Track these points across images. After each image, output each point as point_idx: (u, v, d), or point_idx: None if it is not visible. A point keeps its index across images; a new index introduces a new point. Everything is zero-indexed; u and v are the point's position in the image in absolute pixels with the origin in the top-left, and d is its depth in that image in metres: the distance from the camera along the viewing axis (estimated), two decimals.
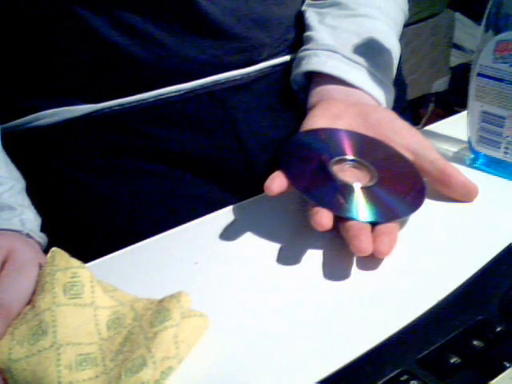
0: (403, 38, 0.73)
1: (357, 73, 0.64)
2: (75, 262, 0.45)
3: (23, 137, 0.65)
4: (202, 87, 0.65)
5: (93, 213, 0.66)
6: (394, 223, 0.52)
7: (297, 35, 0.71)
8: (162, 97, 0.64)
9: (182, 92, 0.64)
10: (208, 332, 0.44)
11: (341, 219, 0.51)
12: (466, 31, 2.17)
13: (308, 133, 0.59)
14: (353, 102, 0.63)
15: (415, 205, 0.53)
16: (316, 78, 0.66)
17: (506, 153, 0.58)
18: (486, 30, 0.56)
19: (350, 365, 0.40)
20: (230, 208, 0.58)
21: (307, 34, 0.69)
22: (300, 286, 0.49)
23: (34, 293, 0.44)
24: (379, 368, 0.39)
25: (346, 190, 0.52)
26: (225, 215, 0.57)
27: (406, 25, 0.76)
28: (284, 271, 0.50)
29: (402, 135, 0.58)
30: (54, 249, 0.46)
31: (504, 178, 0.59)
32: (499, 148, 0.59)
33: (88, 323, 0.42)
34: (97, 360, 0.40)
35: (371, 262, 0.49)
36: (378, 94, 0.64)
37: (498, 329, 0.41)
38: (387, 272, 0.49)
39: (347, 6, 0.70)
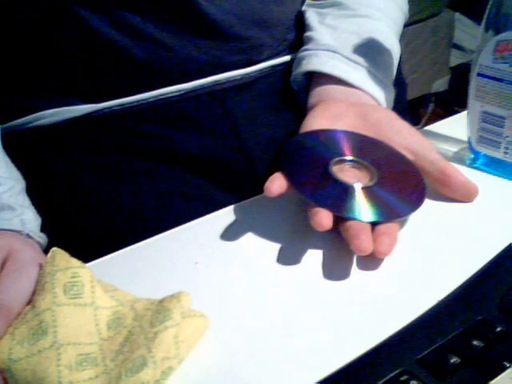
0: (403, 38, 0.73)
1: (357, 73, 0.64)
2: (75, 262, 0.45)
3: (23, 137, 0.65)
4: (203, 87, 0.65)
5: (93, 213, 0.66)
6: (394, 223, 0.52)
7: (297, 35, 0.71)
8: (162, 97, 0.64)
9: (182, 92, 0.64)
10: (208, 332, 0.44)
11: (341, 219, 0.51)
12: (466, 31, 2.17)
13: (308, 133, 0.59)
14: (353, 102, 0.63)
15: (415, 205, 0.53)
16: (316, 78, 0.66)
17: (505, 153, 0.58)
18: (486, 30, 0.56)
19: (350, 365, 0.40)
20: (230, 208, 0.58)
21: (307, 34, 0.69)
22: (300, 286, 0.49)
23: (34, 293, 0.44)
24: (379, 368, 0.39)
25: (346, 190, 0.52)
26: (225, 215, 0.57)
27: (406, 25, 0.76)
28: (284, 271, 0.50)
29: (402, 135, 0.58)
30: (54, 249, 0.46)
31: (504, 178, 0.59)
32: (499, 148, 0.59)
33: (88, 323, 0.42)
34: (97, 360, 0.40)
35: (371, 262, 0.49)
36: (378, 94, 0.64)
37: (498, 329, 0.41)
38: (387, 272, 0.49)
39: (347, 6, 0.70)
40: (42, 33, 0.61)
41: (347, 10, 0.70)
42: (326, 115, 0.61)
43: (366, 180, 0.54)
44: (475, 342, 0.40)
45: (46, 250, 0.52)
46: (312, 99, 0.65)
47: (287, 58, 0.71)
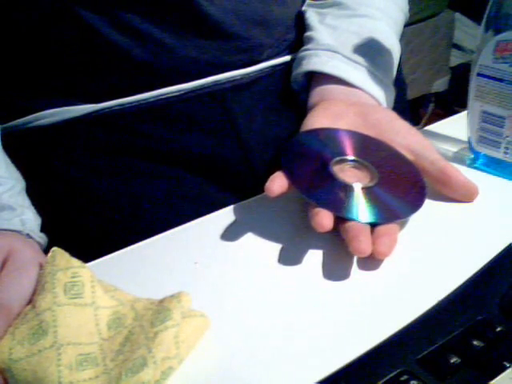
0: (403, 38, 0.73)
1: (357, 73, 0.64)
2: (76, 262, 0.45)
3: (23, 137, 0.65)
4: (203, 87, 0.65)
5: (93, 213, 0.66)
6: (394, 224, 0.52)
7: (297, 35, 0.71)
8: (162, 97, 0.64)
9: (182, 92, 0.64)
10: (208, 332, 0.44)
11: (341, 220, 0.51)
12: (466, 31, 2.17)
13: (308, 133, 0.59)
14: (353, 101, 0.63)
15: (416, 205, 0.53)
16: (316, 77, 0.66)
17: (505, 153, 0.58)
18: (486, 30, 0.56)
19: (350, 365, 0.40)
20: (230, 208, 0.58)
21: (308, 34, 0.69)
22: (300, 286, 0.49)
23: (34, 293, 0.44)
24: (379, 368, 0.39)
25: (346, 190, 0.52)
26: (225, 215, 0.57)
27: (406, 25, 0.76)
28: (284, 271, 0.50)
29: (402, 135, 0.58)
30: (54, 248, 0.46)
31: (504, 177, 0.59)
32: (499, 148, 0.59)
33: (88, 323, 0.42)
34: (97, 360, 0.40)
35: (371, 262, 0.49)
36: (379, 94, 0.64)
37: (498, 329, 0.41)
38: (387, 272, 0.49)
39: (348, 6, 0.70)
40: (42, 33, 0.61)
41: (347, 10, 0.70)
42: (326, 114, 0.61)
43: (367, 180, 0.54)
44: (475, 342, 0.40)
45: (46, 250, 0.52)
46: (312, 99, 0.65)
47: (287, 57, 0.71)
